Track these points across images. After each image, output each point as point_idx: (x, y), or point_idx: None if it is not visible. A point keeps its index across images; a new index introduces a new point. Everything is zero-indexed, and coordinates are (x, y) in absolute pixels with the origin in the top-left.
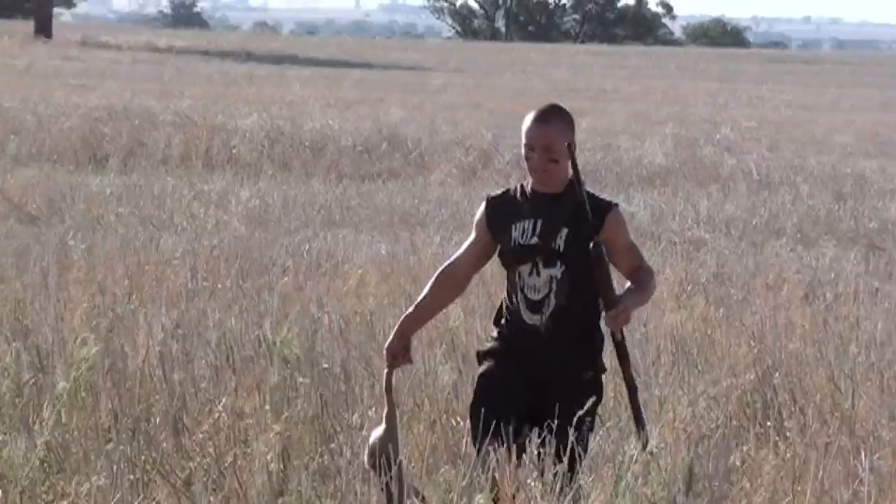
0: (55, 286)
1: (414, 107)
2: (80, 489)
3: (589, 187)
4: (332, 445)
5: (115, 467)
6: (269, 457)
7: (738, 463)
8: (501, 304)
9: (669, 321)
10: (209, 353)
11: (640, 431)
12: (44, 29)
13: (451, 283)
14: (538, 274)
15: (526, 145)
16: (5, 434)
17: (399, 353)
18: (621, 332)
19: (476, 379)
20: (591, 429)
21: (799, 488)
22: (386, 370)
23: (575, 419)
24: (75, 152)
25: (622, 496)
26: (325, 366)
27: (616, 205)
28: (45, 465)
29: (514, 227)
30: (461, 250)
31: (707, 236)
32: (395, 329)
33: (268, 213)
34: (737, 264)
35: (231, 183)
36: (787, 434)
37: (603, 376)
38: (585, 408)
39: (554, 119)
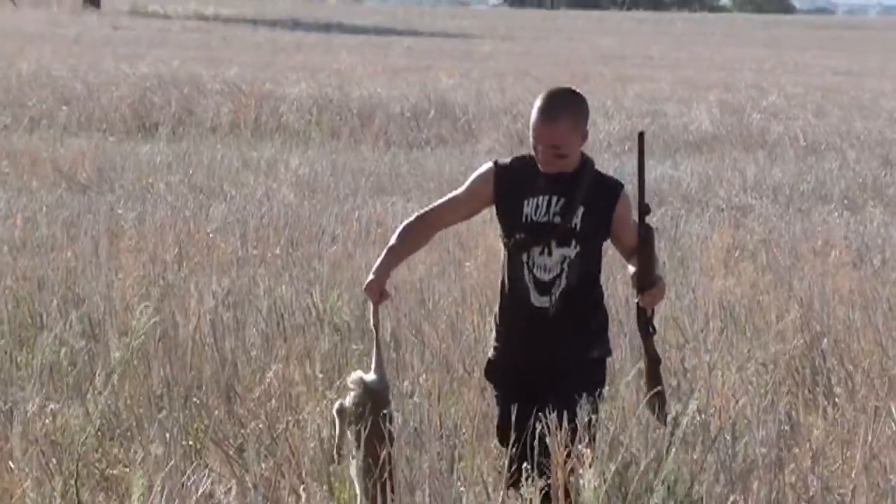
0: (106, 255)
1: (461, 74)
2: (134, 457)
3: (634, 154)
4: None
5: (168, 435)
6: (320, 423)
7: (787, 428)
8: (502, 286)
9: (718, 287)
10: (260, 320)
11: (660, 407)
12: None
13: (427, 234)
14: (550, 254)
15: (534, 139)
16: (60, 402)
17: (381, 291)
18: (651, 309)
19: (496, 400)
20: (595, 410)
21: (848, 453)
22: (372, 310)
23: (582, 398)
24: (125, 121)
25: (671, 461)
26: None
27: (623, 185)
28: (100, 432)
29: (526, 202)
30: (445, 202)
31: (754, 202)
32: (374, 271)
33: (317, 180)
34: (784, 230)
35: (280, 151)
36: (836, 399)
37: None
38: (593, 389)
39: (562, 116)
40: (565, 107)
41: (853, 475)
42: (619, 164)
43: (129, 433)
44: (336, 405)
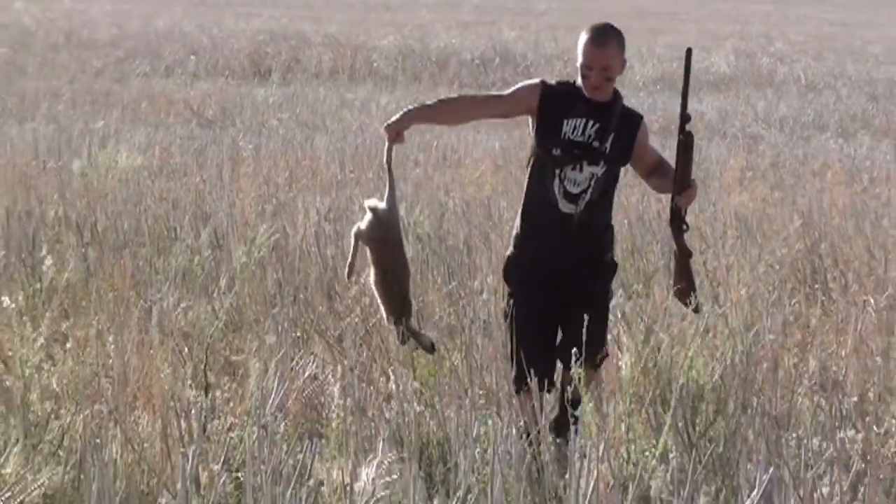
0: (229, 179)
1: (521, 27)
2: (251, 346)
3: (665, 94)
4: (458, 306)
5: (279, 327)
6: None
7: (791, 318)
8: (526, 195)
9: (733, 202)
10: None
11: (691, 294)
12: None
13: (460, 115)
14: (581, 170)
15: (584, 65)
16: (191, 301)
17: (401, 133)
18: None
19: (511, 297)
20: (610, 299)
21: (841, 339)
22: (387, 146)
23: (599, 295)
24: (243, 68)
25: (694, 346)
26: (451, 242)
27: (643, 116)
28: (224, 326)
29: (566, 121)
30: (487, 95)
31: (764, 132)
32: (403, 115)
33: None
34: (789, 155)
35: (371, 92)
36: (832, 294)
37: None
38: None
39: (610, 41)
40: (613, 35)
41: (845, 356)
42: (653, 101)
43: (248, 326)
44: (354, 228)
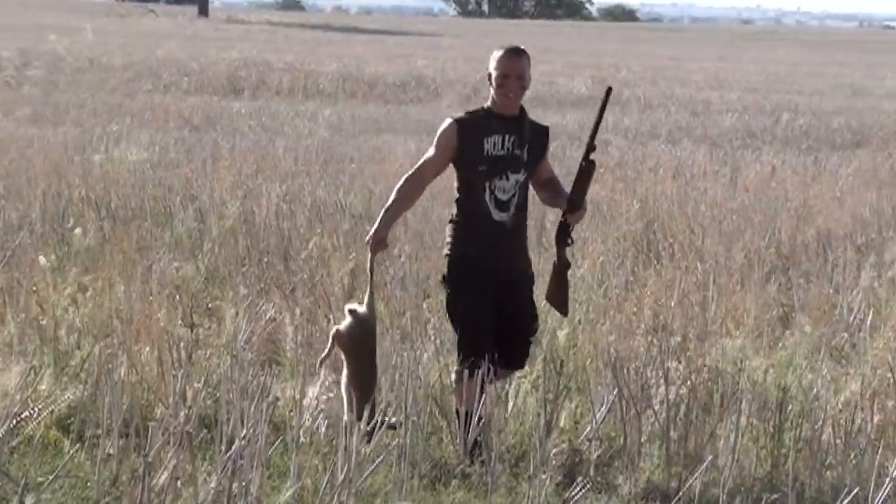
0: (210, 170)
1: (432, 59)
2: (226, 295)
3: (539, 110)
4: (381, 267)
5: (247, 281)
6: (342, 275)
7: (631, 278)
8: (460, 208)
9: (590, 192)
10: (305, 210)
11: (564, 303)
12: (203, 11)
13: (419, 189)
14: (507, 178)
15: (501, 74)
16: (181, 261)
17: (381, 241)
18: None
19: (453, 298)
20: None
21: (669, 294)
22: (370, 257)
23: (529, 307)
24: (223, 87)
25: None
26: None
27: (549, 127)
28: (206, 280)
29: (486, 140)
30: (423, 164)
31: (612, 139)
32: (380, 223)
33: (341, 124)
34: (631, 156)
35: (318, 106)
36: (662, 261)
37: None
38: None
39: (523, 55)
40: (524, 51)
41: (672, 307)
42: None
43: (223, 280)
44: (333, 329)
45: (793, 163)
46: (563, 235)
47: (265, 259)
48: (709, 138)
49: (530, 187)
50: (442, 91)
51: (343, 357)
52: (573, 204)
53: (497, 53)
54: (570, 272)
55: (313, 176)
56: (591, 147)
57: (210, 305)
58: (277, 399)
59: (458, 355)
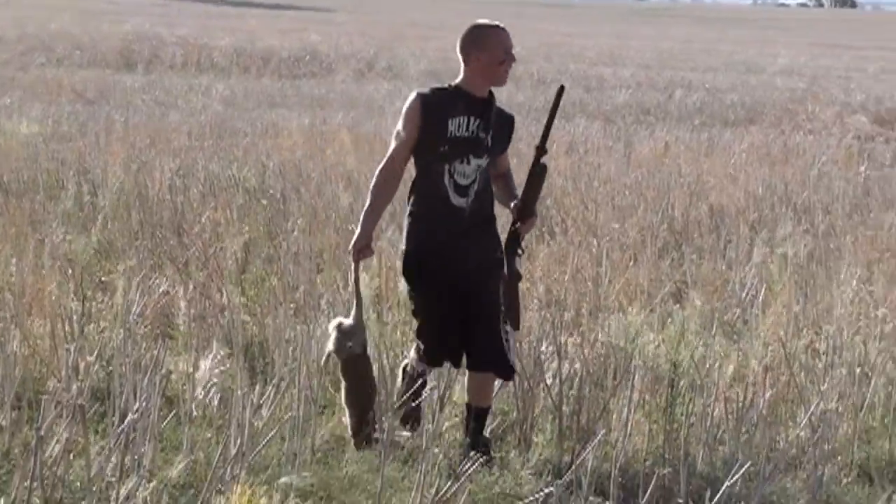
0: (104, 143)
1: (325, 34)
2: (119, 268)
3: (435, 84)
4: (275, 241)
5: (141, 255)
6: (235, 249)
7: (525, 253)
8: (418, 193)
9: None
10: (199, 184)
11: (514, 315)
12: None
13: (394, 180)
14: (468, 163)
15: (507, 51)
16: (73, 234)
17: (364, 248)
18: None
19: (414, 294)
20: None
21: (562, 269)
22: (353, 266)
23: (494, 293)
24: (116, 61)
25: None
26: (271, 192)
27: (514, 116)
28: (98, 253)
29: (450, 121)
30: (395, 149)
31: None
32: (360, 228)
33: (235, 98)
34: (524, 132)
35: (212, 80)
36: (556, 236)
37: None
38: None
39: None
40: None
41: (565, 282)
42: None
43: (116, 254)
44: (326, 352)
45: (686, 139)
46: (514, 245)
47: (158, 233)
48: (602, 114)
49: None
50: (336, 66)
51: (340, 374)
52: (524, 211)
53: (487, 31)
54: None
55: (207, 150)
56: (542, 150)
57: (103, 279)
58: (170, 372)
59: (415, 348)
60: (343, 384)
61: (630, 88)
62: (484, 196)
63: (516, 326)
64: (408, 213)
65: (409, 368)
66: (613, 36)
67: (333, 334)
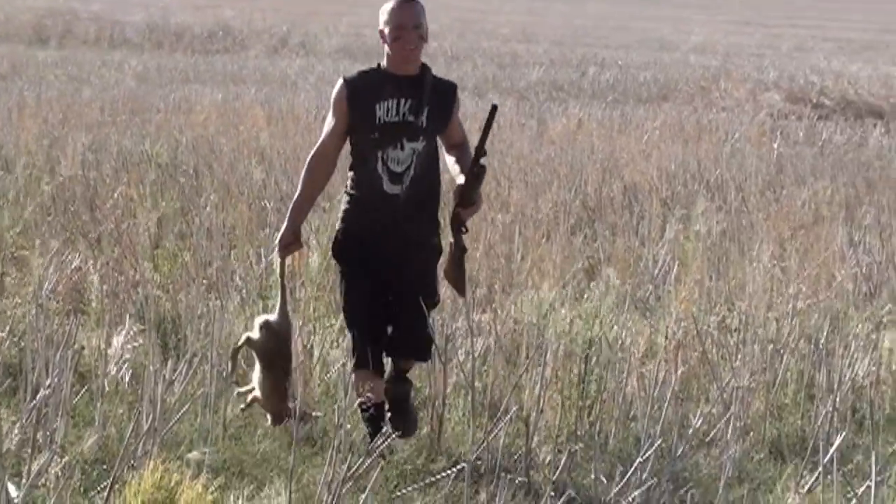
0: (16, 119)
1: (239, 9)
2: (33, 244)
3: (348, 59)
4: (188, 217)
5: (53, 231)
6: (149, 224)
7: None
8: (353, 177)
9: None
10: (112, 160)
11: (461, 284)
12: None
13: (325, 167)
14: (402, 148)
15: (398, 26)
16: None
17: (291, 243)
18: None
19: (343, 277)
20: (437, 291)
21: (475, 245)
22: (279, 260)
23: (428, 281)
24: (28, 36)
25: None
26: (183, 168)
27: (456, 86)
28: (11, 230)
29: (378, 105)
30: (325, 136)
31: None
32: (288, 221)
33: (148, 74)
34: None
35: (125, 56)
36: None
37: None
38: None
39: (416, 3)
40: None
41: (478, 258)
42: (336, 66)
43: (30, 230)
44: (243, 337)
45: (599, 116)
46: (458, 224)
47: (71, 208)
48: (515, 91)
49: (441, 147)
50: (249, 42)
51: (256, 361)
52: (466, 200)
53: (387, 6)
54: None
55: (119, 126)
56: (480, 153)
57: (16, 255)
58: (83, 348)
59: (351, 350)
60: (261, 376)
61: (543, 65)
62: (422, 182)
63: (462, 293)
64: (344, 191)
65: (361, 405)
66: (527, 13)
67: (259, 330)
